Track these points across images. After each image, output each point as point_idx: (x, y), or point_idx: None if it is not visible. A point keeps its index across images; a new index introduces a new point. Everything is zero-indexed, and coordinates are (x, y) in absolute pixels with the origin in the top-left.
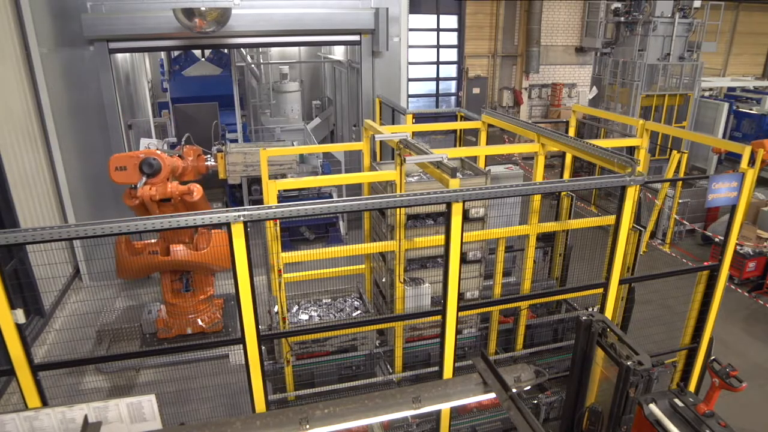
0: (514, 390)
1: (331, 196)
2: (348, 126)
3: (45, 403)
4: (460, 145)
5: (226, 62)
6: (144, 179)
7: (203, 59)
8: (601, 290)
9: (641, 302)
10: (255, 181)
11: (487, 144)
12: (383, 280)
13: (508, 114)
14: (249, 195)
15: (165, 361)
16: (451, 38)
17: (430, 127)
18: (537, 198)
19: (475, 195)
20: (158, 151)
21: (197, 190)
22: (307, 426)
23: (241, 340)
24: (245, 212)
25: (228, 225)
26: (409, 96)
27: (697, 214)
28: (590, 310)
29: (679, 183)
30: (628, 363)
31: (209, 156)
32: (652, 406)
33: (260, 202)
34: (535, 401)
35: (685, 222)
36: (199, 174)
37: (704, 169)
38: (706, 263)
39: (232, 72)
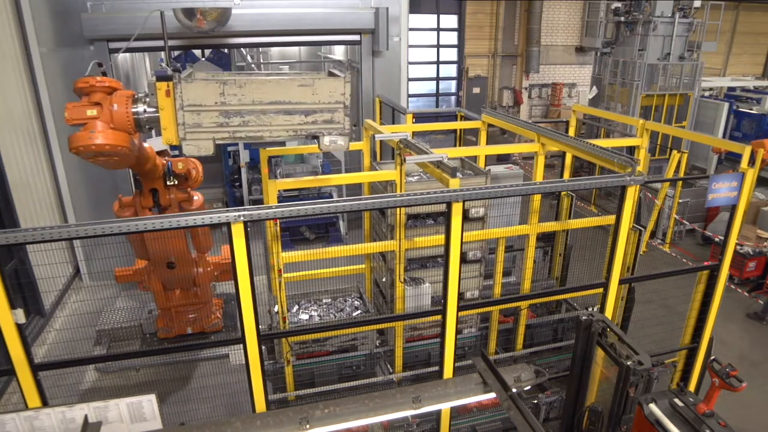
0: (514, 390)
1: (331, 196)
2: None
3: (45, 403)
4: (460, 145)
5: (226, 62)
6: None
7: (203, 59)
8: (601, 290)
9: (641, 302)
10: (255, 181)
11: (487, 144)
12: (383, 279)
13: (508, 114)
14: (249, 195)
15: (165, 361)
16: (451, 38)
17: (430, 127)
18: (537, 198)
19: (475, 195)
20: None
21: (199, 197)
22: (307, 426)
23: (241, 340)
24: (245, 212)
25: (228, 225)
26: (409, 96)
27: (697, 214)
28: (590, 309)
29: (679, 183)
30: (628, 363)
31: (139, 97)
32: (652, 406)
33: (260, 201)
34: (535, 401)
35: (685, 222)
36: (120, 140)
37: (704, 169)
38: (706, 263)
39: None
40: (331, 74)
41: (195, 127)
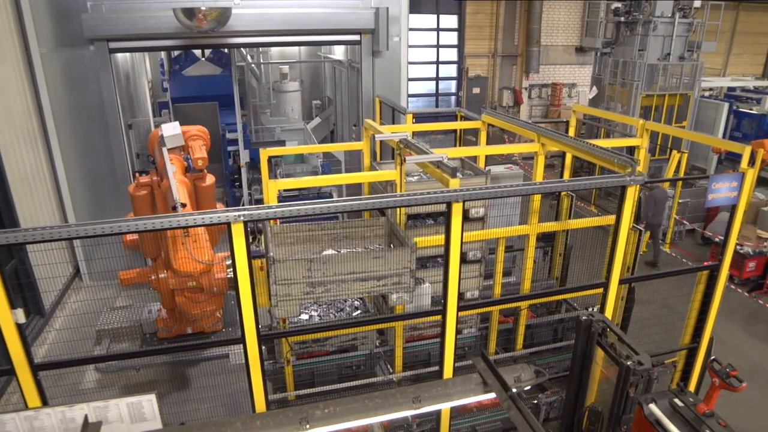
0: (514, 390)
1: (331, 196)
2: (348, 126)
3: (45, 403)
4: (460, 145)
5: (226, 62)
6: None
7: (203, 59)
8: (601, 290)
9: (641, 302)
10: (255, 181)
11: (487, 144)
12: None
13: (508, 114)
14: (249, 195)
15: (165, 361)
16: (451, 38)
17: (430, 127)
18: (537, 198)
19: (475, 195)
20: None
21: (211, 177)
22: (307, 426)
23: (241, 340)
24: (245, 212)
25: (228, 225)
26: (409, 96)
27: (697, 214)
28: (590, 310)
29: (679, 183)
30: (628, 363)
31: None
32: (652, 406)
33: (261, 201)
34: (535, 401)
35: (685, 222)
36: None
37: (704, 169)
38: (706, 263)
39: (232, 72)
40: (398, 242)
41: (285, 297)
